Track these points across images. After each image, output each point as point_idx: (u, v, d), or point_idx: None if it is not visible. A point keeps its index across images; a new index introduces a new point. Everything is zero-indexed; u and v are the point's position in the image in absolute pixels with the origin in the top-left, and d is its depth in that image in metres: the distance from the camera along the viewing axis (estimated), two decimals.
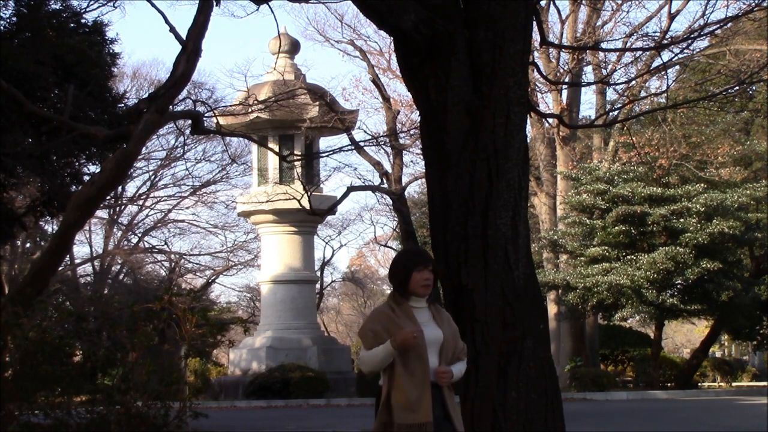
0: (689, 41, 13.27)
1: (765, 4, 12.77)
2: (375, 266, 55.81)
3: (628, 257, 27.55)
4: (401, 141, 29.32)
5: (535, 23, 6.95)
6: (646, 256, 27.10)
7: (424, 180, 19.07)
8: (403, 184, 30.13)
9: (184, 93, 13.00)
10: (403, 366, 4.99)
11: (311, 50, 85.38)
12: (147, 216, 42.03)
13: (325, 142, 32.01)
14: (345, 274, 51.18)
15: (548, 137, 31.75)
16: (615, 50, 23.62)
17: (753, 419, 16.52)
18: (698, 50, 23.46)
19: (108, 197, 22.62)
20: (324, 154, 27.79)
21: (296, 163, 24.03)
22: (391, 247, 45.49)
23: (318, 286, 38.01)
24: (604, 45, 29.72)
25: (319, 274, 38.80)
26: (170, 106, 10.56)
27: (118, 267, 42.02)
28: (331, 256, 64.70)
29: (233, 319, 25.76)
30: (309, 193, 20.80)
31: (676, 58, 16.76)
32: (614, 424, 15.78)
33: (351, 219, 53.99)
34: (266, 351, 27.45)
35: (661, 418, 17.40)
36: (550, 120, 26.68)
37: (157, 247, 42.09)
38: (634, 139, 25.62)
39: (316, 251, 33.35)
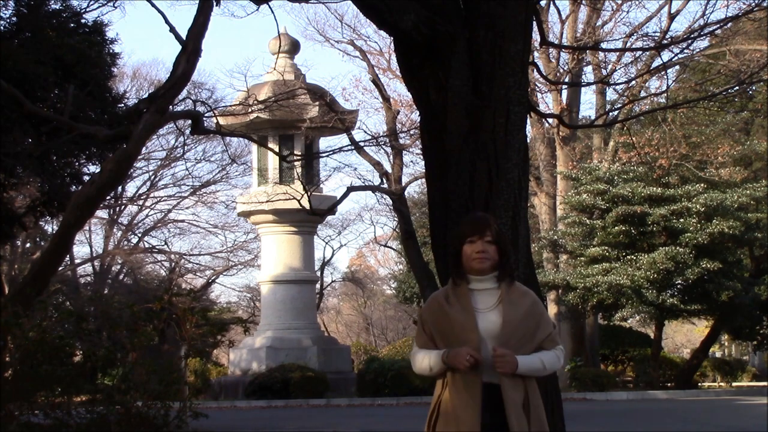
0: (689, 41, 13.26)
1: (765, 4, 12.77)
2: (375, 266, 55.83)
3: (628, 257, 27.54)
4: (401, 141, 29.30)
5: (535, 23, 6.95)
6: (646, 256, 27.09)
7: (424, 180, 19.06)
8: (403, 184, 30.10)
9: (184, 93, 13.00)
10: (452, 373, 4.20)
11: (311, 50, 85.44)
12: (147, 216, 42.06)
13: (325, 142, 32.03)
14: (345, 274, 51.17)
15: (548, 137, 31.75)
16: (615, 50, 23.63)
17: (753, 419, 16.52)
18: (698, 50, 23.46)
19: (108, 197, 22.62)
20: (324, 154, 27.79)
21: (296, 163, 24.02)
22: (391, 247, 45.50)
23: (318, 286, 38.01)
24: (604, 45, 29.72)
25: (319, 274, 38.80)
26: (170, 106, 10.56)
27: (118, 267, 42.01)
28: (331, 256, 64.78)
29: (233, 319, 25.82)
30: (309, 193, 20.79)
31: (676, 58, 16.77)
32: (614, 424, 15.79)
33: (351, 219, 54.04)
34: (266, 351, 27.45)
35: (661, 418, 17.40)
36: (550, 120, 26.67)
37: (157, 247, 42.10)
38: (634, 139, 25.61)
39: (316, 251, 33.37)
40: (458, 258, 4.32)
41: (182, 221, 42.13)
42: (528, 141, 6.59)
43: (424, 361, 4.30)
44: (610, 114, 23.93)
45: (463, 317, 4.21)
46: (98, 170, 11.98)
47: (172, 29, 9.72)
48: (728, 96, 16.50)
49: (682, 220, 27.34)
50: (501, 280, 4.28)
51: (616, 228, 27.48)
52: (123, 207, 40.44)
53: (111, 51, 18.03)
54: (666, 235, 27.81)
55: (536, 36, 9.18)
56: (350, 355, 32.51)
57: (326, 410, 22.35)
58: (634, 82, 24.00)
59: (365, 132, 44.39)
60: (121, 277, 42.11)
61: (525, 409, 4.17)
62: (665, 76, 16.00)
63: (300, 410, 22.41)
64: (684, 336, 58.32)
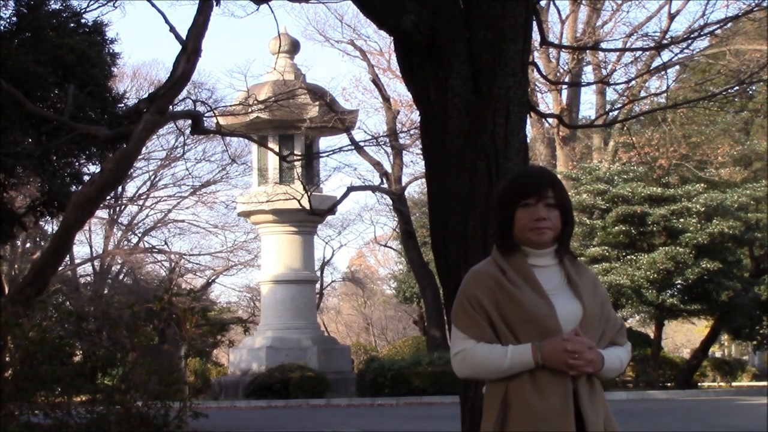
0: (689, 41, 13.27)
1: (765, 4, 12.77)
2: (375, 266, 55.82)
3: (628, 257, 27.55)
4: (401, 141, 29.34)
5: (535, 23, 6.95)
6: (646, 256, 27.10)
7: (424, 180, 19.09)
8: (403, 184, 30.16)
9: (184, 93, 13.00)
10: (531, 372, 3.15)
11: (311, 50, 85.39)
12: (147, 216, 42.05)
13: (325, 142, 32.04)
14: (345, 274, 51.17)
15: (548, 137, 31.77)
16: (615, 50, 23.63)
17: (753, 419, 16.52)
18: (698, 50, 23.46)
19: (108, 197, 22.63)
20: (324, 154, 27.80)
21: (296, 163, 24.03)
22: (391, 247, 45.52)
23: (318, 286, 38.01)
24: (604, 45, 29.74)
25: (319, 274, 38.80)
26: (170, 106, 10.57)
27: (118, 267, 42.02)
28: (331, 256, 64.85)
29: (233, 319, 25.81)
30: (309, 193, 20.80)
31: (676, 58, 16.76)
32: None
33: (351, 219, 54.07)
34: (266, 351, 27.45)
35: (661, 418, 17.40)
36: (550, 120, 26.69)
37: (157, 247, 42.09)
38: (634, 139, 25.62)
39: (316, 251, 33.37)
40: (507, 226, 3.25)
41: (182, 221, 42.15)
42: (528, 141, 6.59)
43: (495, 359, 3.16)
44: (610, 114, 23.94)
45: (538, 301, 3.18)
46: (98, 170, 11.99)
47: (172, 29, 9.72)
48: (728, 96, 16.50)
49: (682, 220, 27.35)
50: (561, 255, 3.28)
51: (616, 228, 27.49)
52: (123, 207, 40.45)
53: (111, 51, 18.04)
54: (666, 235, 27.82)
55: (536, 36, 9.18)
56: (350, 355, 32.52)
57: (326, 410, 22.35)
58: (634, 82, 24.00)
59: (365, 132, 44.47)
60: (121, 277, 42.11)
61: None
62: (665, 76, 16.01)
63: (300, 410, 22.41)
64: (684, 336, 58.33)
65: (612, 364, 3.25)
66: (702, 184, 28.35)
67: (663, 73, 14.93)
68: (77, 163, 18.29)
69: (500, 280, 3.21)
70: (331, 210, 25.50)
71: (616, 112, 24.34)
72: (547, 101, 31.17)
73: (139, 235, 42.09)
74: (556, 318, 3.17)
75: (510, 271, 3.22)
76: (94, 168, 18.15)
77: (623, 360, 3.34)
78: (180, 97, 12.39)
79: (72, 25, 17.55)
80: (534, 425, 3.11)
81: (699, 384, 31.68)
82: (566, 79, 28.09)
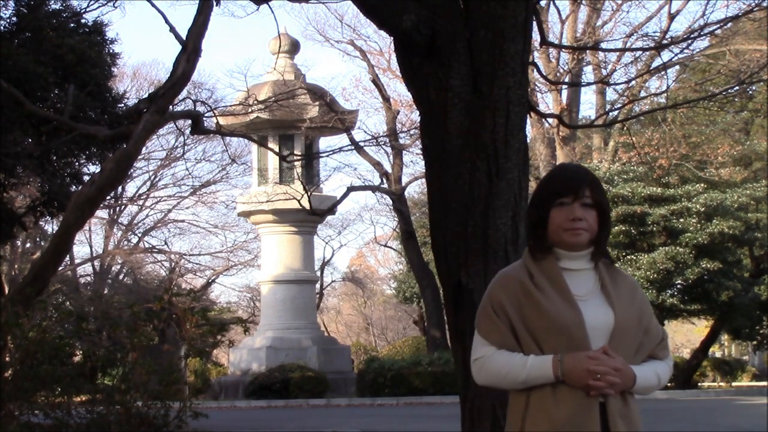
0: (689, 41, 13.27)
1: (765, 4, 12.77)
2: (375, 266, 55.83)
3: (628, 257, 27.56)
4: (401, 141, 29.34)
5: (535, 23, 6.95)
6: (646, 256, 27.11)
7: (424, 180, 19.09)
8: (403, 184, 30.16)
9: (184, 93, 13.00)
10: (554, 385, 2.96)
11: (311, 50, 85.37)
12: (147, 216, 42.06)
13: (325, 142, 32.05)
14: (345, 274, 51.18)
15: (548, 137, 31.76)
16: (615, 50, 23.62)
17: (753, 419, 16.53)
18: (698, 50, 23.45)
19: (108, 197, 22.63)
20: (324, 154, 27.80)
21: (296, 163, 24.04)
22: (391, 247, 45.53)
23: (318, 286, 38.02)
24: (604, 45, 29.74)
25: (319, 274, 38.81)
26: (170, 106, 10.57)
27: (118, 267, 42.02)
28: (331, 256, 64.82)
29: (233, 319, 25.81)
30: (309, 193, 20.80)
31: (676, 58, 16.75)
32: None
33: (351, 219, 54.05)
34: (266, 351, 27.45)
35: (661, 418, 17.40)
36: (550, 120, 26.69)
37: (157, 247, 42.09)
38: (634, 139, 25.62)
39: (316, 251, 33.38)
40: (541, 226, 3.07)
41: (182, 221, 42.16)
42: (528, 141, 6.58)
43: (512, 369, 2.99)
44: (610, 114, 23.94)
45: (565, 308, 2.97)
46: (98, 170, 11.99)
47: (172, 29, 9.73)
48: (728, 96, 16.49)
49: (682, 220, 27.36)
50: (597, 259, 3.08)
51: (616, 228, 27.49)
52: (123, 207, 40.46)
53: (111, 51, 18.04)
54: (666, 235, 27.83)
55: (536, 36, 9.19)
56: (350, 355, 32.52)
57: (326, 410, 22.36)
58: (634, 82, 24.00)
59: (365, 132, 44.44)
60: (121, 277, 42.12)
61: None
62: (665, 76, 16.02)
63: (300, 410, 22.42)
64: (684, 336, 58.37)
65: (647, 382, 3.03)
66: (702, 184, 28.36)
67: (663, 73, 14.94)
68: (77, 163, 18.29)
69: (526, 285, 3.03)
70: (331, 210, 25.51)
71: (616, 112, 24.35)
72: (547, 101, 31.19)
73: (139, 235, 42.11)
74: (583, 327, 2.96)
75: (538, 275, 3.04)
76: (94, 168, 18.16)
77: (662, 376, 3.12)
78: (180, 97, 12.39)
79: (72, 25, 17.55)
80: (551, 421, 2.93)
81: (699, 384, 31.70)
82: (566, 79, 28.09)
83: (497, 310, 3.03)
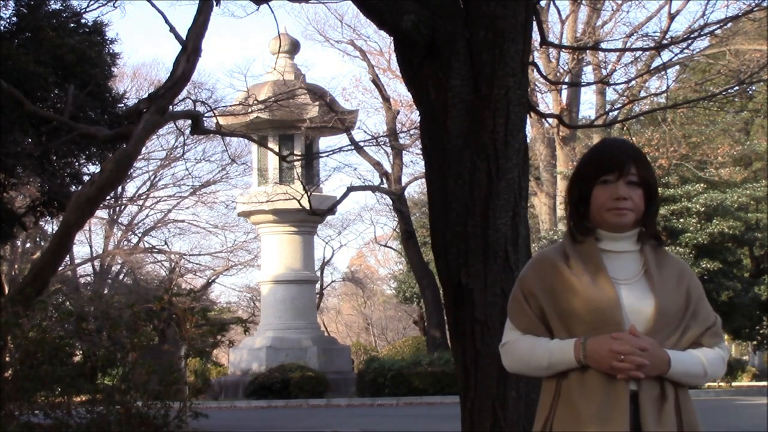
0: (689, 41, 13.26)
1: (765, 4, 12.77)
2: (375, 266, 55.84)
3: None
4: (401, 141, 29.34)
5: (535, 23, 6.95)
6: None
7: (424, 180, 19.10)
8: (403, 184, 30.16)
9: (184, 93, 13.00)
10: (581, 371, 2.78)
11: (311, 50, 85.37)
12: (147, 216, 42.08)
13: (325, 142, 32.05)
14: (345, 274, 51.18)
15: (548, 137, 31.78)
16: (615, 50, 23.62)
17: (753, 419, 16.53)
18: (698, 50, 23.46)
19: (108, 197, 22.63)
20: (324, 154, 27.81)
21: (296, 163, 24.04)
22: (391, 247, 45.53)
23: (318, 286, 38.02)
24: (604, 45, 29.75)
25: (319, 274, 38.82)
26: (170, 106, 10.57)
27: (118, 267, 42.03)
28: (331, 256, 64.80)
29: (233, 319, 25.81)
30: (309, 193, 20.80)
31: (676, 58, 16.75)
32: None
33: (351, 219, 54.03)
34: (266, 351, 27.46)
35: None
36: (550, 120, 26.69)
37: (157, 247, 42.10)
38: (634, 139, 25.61)
39: (316, 251, 33.38)
40: (583, 205, 2.88)
41: (182, 221, 42.17)
42: (528, 141, 6.58)
43: (536, 354, 2.84)
44: (610, 114, 23.95)
45: (599, 291, 2.78)
46: (98, 170, 11.99)
47: (172, 29, 9.72)
48: (728, 96, 16.49)
49: (682, 220, 27.36)
50: (644, 241, 2.89)
51: None
52: (123, 207, 40.47)
53: (111, 51, 18.05)
54: (666, 235, 27.82)
55: (536, 36, 9.19)
56: (350, 355, 32.52)
57: (326, 410, 22.36)
58: (634, 82, 24.01)
59: (365, 132, 44.47)
60: (121, 277, 42.12)
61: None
62: (665, 76, 16.03)
63: (300, 410, 22.42)
64: None
65: (686, 368, 2.78)
66: (702, 184, 28.37)
67: (663, 73, 14.94)
68: (77, 163, 18.30)
69: (559, 267, 2.84)
70: (331, 210, 25.51)
71: (616, 112, 24.36)
72: (547, 101, 31.19)
73: (139, 235, 42.12)
74: (619, 310, 2.75)
75: (575, 257, 2.85)
76: (94, 168, 18.16)
77: (709, 364, 2.84)
78: (180, 97, 12.39)
79: (72, 25, 17.55)
80: (578, 429, 2.72)
81: None
82: (566, 79, 28.10)
83: (526, 294, 2.88)
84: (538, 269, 2.88)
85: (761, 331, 32.51)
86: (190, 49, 9.35)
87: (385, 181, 29.05)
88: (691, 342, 2.85)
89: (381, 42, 31.25)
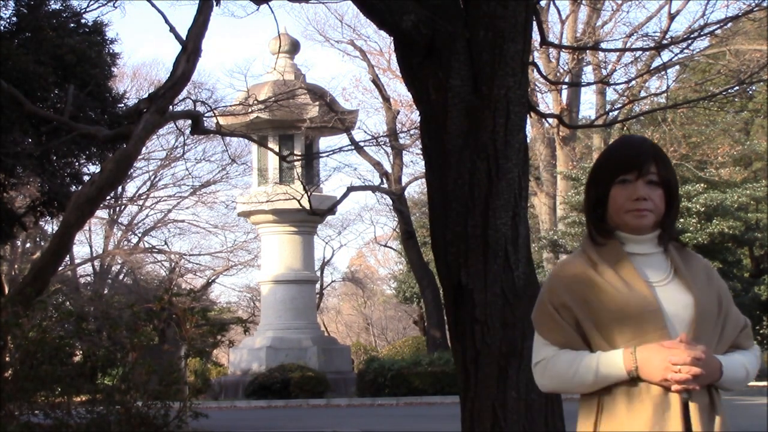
0: (689, 41, 13.26)
1: (765, 4, 12.77)
2: (375, 266, 55.84)
3: None
4: (401, 141, 29.34)
5: (535, 23, 6.95)
6: None
7: (424, 180, 19.09)
8: (403, 184, 30.17)
9: (184, 93, 13.00)
10: (628, 385, 2.60)
11: (311, 50, 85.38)
12: (147, 216, 42.08)
13: (325, 142, 32.06)
14: (345, 274, 51.19)
15: (548, 137, 31.78)
16: (615, 50, 23.62)
17: (753, 419, 16.52)
18: (698, 50, 23.47)
19: (108, 197, 22.63)
20: (324, 154, 27.81)
21: (296, 163, 24.03)
22: (391, 247, 45.54)
23: (318, 286, 38.03)
24: (604, 45, 29.76)
25: (319, 274, 38.83)
26: (170, 106, 10.57)
27: (118, 267, 42.03)
28: (331, 256, 64.82)
29: (233, 319, 25.82)
30: (309, 193, 20.79)
31: (676, 58, 16.75)
32: None
33: (351, 219, 54.08)
34: (266, 351, 27.46)
35: None
36: (550, 120, 26.70)
37: (157, 247, 42.11)
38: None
39: (316, 251, 33.39)
40: (601, 206, 2.74)
41: (182, 221, 42.17)
42: (528, 141, 6.58)
43: (579, 369, 2.63)
44: (610, 114, 23.95)
45: (637, 294, 2.61)
46: (98, 170, 11.99)
47: (172, 29, 9.72)
48: (728, 96, 16.50)
49: (682, 220, 27.35)
50: (665, 242, 2.78)
51: None
52: (123, 207, 40.47)
53: (111, 51, 18.06)
54: None
55: (536, 36, 9.19)
56: (350, 355, 32.52)
57: (326, 410, 22.36)
58: (634, 82, 24.02)
59: (365, 132, 44.45)
60: (121, 277, 42.12)
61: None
62: (665, 76, 16.03)
63: (300, 410, 22.42)
64: None
65: (735, 374, 2.64)
66: (702, 184, 28.37)
67: (663, 73, 14.95)
68: (77, 163, 18.31)
69: (589, 274, 2.67)
70: (331, 210, 25.50)
71: (616, 112, 24.36)
72: (547, 101, 31.20)
73: (139, 235, 42.12)
74: (659, 313, 2.59)
75: (601, 262, 2.68)
76: (94, 168, 18.17)
77: (750, 368, 2.71)
78: (180, 97, 12.39)
79: (72, 25, 17.56)
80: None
81: None
82: (566, 79, 28.11)
83: (557, 307, 2.68)
84: (565, 280, 2.69)
85: (761, 331, 32.49)
86: (190, 49, 9.34)
87: (385, 181, 29.05)
88: (729, 345, 2.71)
89: (381, 42, 31.29)
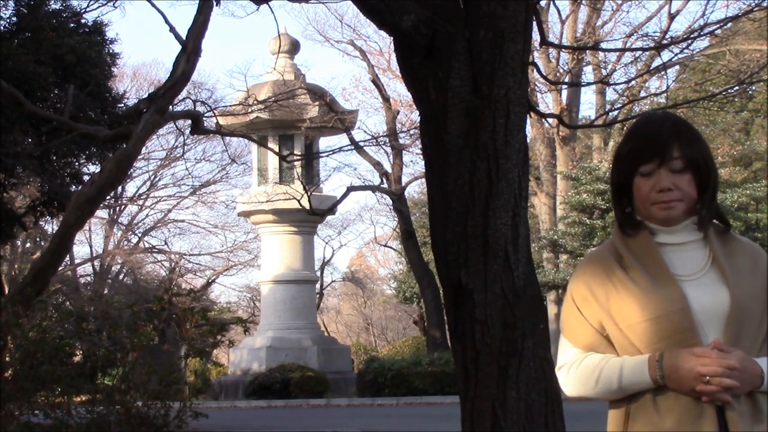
0: (689, 41, 13.27)
1: (765, 4, 12.78)
2: (375, 266, 55.86)
3: None
4: (401, 141, 29.35)
5: (535, 23, 6.95)
6: None
7: (424, 180, 19.10)
8: (403, 184, 30.17)
9: (184, 93, 13.00)
10: (655, 392, 2.40)
11: (311, 50, 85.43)
12: (147, 216, 42.10)
13: (325, 142, 32.07)
14: (345, 274, 51.20)
15: (548, 137, 31.78)
16: (615, 50, 23.62)
17: None
18: (698, 50, 23.48)
19: (108, 197, 22.63)
20: (324, 154, 27.81)
21: (296, 163, 24.04)
22: (391, 247, 45.54)
23: (318, 286, 38.03)
24: (604, 45, 29.76)
25: (319, 274, 38.83)
26: (170, 106, 10.57)
27: (118, 267, 42.04)
28: (331, 256, 64.77)
29: (233, 319, 25.82)
30: (309, 193, 20.80)
31: (676, 58, 16.77)
32: None
33: (351, 219, 54.04)
34: (266, 351, 27.46)
35: None
36: (550, 120, 26.70)
37: (157, 247, 42.12)
38: None
39: (316, 251, 33.39)
40: (627, 195, 2.49)
41: (182, 221, 42.19)
42: (528, 141, 6.58)
43: (603, 375, 2.43)
44: (610, 114, 23.95)
45: (663, 292, 2.38)
46: (98, 170, 11.99)
47: (172, 29, 9.73)
48: (728, 96, 16.50)
49: None
50: (704, 227, 2.46)
51: None
52: (123, 207, 40.48)
53: (111, 51, 18.06)
54: None
55: (536, 36, 9.19)
56: (350, 355, 32.52)
57: (326, 410, 22.36)
58: (634, 82, 24.03)
59: (365, 132, 44.41)
60: (121, 277, 42.13)
61: None
62: (665, 76, 16.05)
63: (300, 410, 22.42)
64: None
65: None
66: None
67: (663, 73, 14.96)
68: (77, 163, 18.31)
69: (613, 269, 2.44)
70: (331, 210, 25.51)
71: (616, 112, 24.35)
72: (547, 101, 31.19)
73: (139, 235, 42.14)
74: (688, 314, 2.35)
75: (629, 255, 2.45)
76: (94, 168, 18.18)
77: None
78: (180, 97, 12.39)
79: (72, 25, 17.57)
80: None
81: None
82: (566, 79, 28.11)
83: (581, 306, 2.46)
84: (589, 275, 2.47)
85: None
86: (190, 49, 9.34)
87: (385, 181, 29.06)
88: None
89: (381, 42, 31.29)
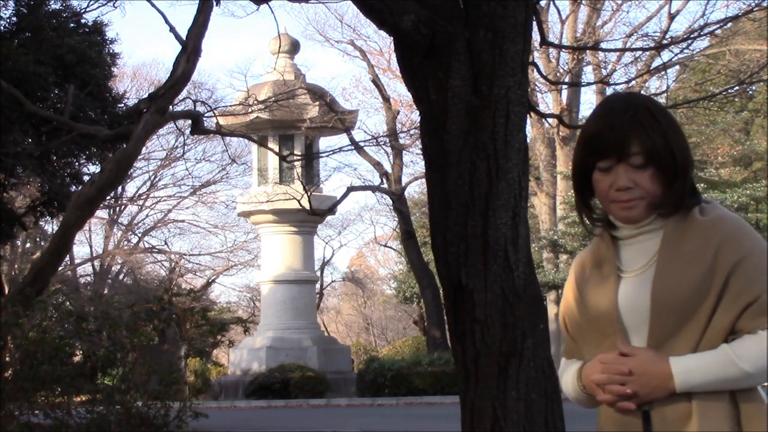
0: (689, 41, 13.28)
1: (765, 4, 12.78)
2: (375, 266, 55.85)
3: None
4: (401, 141, 29.35)
5: (535, 23, 6.95)
6: None
7: (424, 180, 19.10)
8: (403, 184, 30.17)
9: (184, 93, 13.01)
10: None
11: (311, 50, 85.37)
12: (147, 216, 42.10)
13: (325, 142, 32.07)
14: (345, 274, 51.20)
15: (548, 137, 31.78)
16: (615, 50, 23.63)
17: None
18: (698, 50, 23.47)
19: (108, 197, 22.63)
20: (324, 154, 27.82)
21: (296, 163, 24.04)
22: (391, 247, 45.54)
23: (318, 286, 38.03)
24: (604, 45, 29.76)
25: (319, 274, 38.83)
26: (170, 106, 10.57)
27: (118, 267, 42.04)
28: (331, 256, 64.83)
29: (233, 319, 25.82)
30: (309, 193, 20.81)
31: (676, 58, 16.77)
32: None
33: (351, 219, 54.00)
34: (266, 351, 27.46)
35: None
36: (550, 120, 26.71)
37: (157, 247, 42.12)
38: None
39: (316, 251, 33.39)
40: (590, 190, 2.30)
41: (182, 221, 42.19)
42: (528, 141, 6.58)
43: (565, 385, 2.40)
44: None
45: (601, 292, 2.25)
46: (98, 170, 12.00)
47: (172, 29, 9.73)
48: (728, 96, 16.52)
49: None
50: (669, 215, 2.23)
51: None
52: (123, 207, 40.48)
53: (111, 51, 18.06)
54: None
55: (536, 36, 9.20)
56: (350, 355, 32.52)
57: (326, 410, 22.36)
58: (634, 82, 24.01)
59: (365, 132, 44.47)
60: (121, 277, 42.13)
61: None
62: (665, 76, 16.05)
63: (300, 410, 22.42)
64: None
65: (707, 376, 2.11)
66: (702, 184, 28.36)
67: (663, 73, 14.96)
68: (77, 163, 18.31)
69: (576, 272, 2.34)
70: (331, 210, 25.51)
71: None
72: (547, 101, 31.20)
73: (139, 235, 42.14)
74: (614, 315, 2.20)
75: (589, 257, 2.32)
76: (94, 168, 18.18)
77: (745, 359, 2.10)
78: (180, 97, 12.40)
79: (72, 25, 17.56)
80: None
81: None
82: (566, 79, 28.11)
83: (565, 310, 2.37)
84: (571, 278, 2.35)
85: None
86: (190, 49, 9.36)
87: (385, 181, 29.06)
88: (727, 332, 2.13)
89: (381, 42, 31.29)
